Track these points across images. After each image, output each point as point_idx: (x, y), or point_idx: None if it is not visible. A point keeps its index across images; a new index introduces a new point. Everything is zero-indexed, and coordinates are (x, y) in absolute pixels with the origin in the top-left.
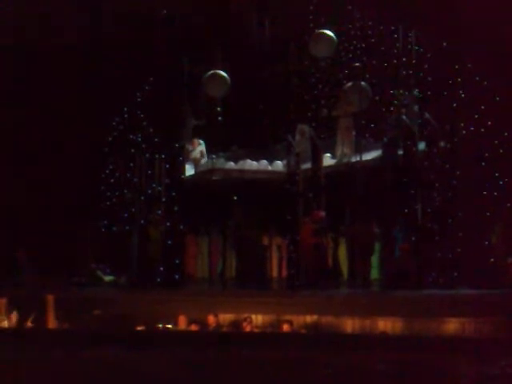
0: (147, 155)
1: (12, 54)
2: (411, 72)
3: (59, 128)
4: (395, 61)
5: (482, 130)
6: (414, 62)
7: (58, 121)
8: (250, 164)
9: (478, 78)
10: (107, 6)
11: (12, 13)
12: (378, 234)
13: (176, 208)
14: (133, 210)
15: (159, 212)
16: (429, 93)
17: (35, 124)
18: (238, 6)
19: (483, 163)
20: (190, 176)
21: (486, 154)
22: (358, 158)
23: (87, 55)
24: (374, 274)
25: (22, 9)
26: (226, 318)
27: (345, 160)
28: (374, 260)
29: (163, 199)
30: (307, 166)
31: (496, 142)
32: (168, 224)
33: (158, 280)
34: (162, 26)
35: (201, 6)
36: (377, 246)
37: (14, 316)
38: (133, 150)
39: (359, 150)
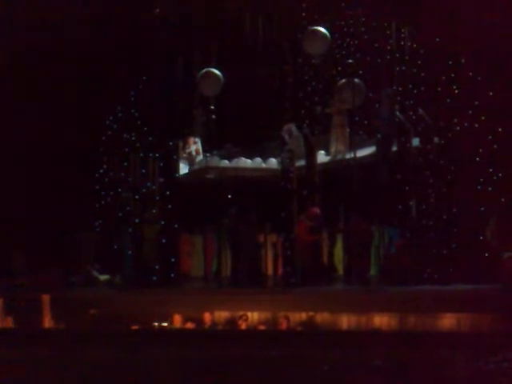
0: (141, 154)
1: (9, 51)
2: (404, 68)
3: (53, 128)
4: (388, 57)
5: (476, 125)
6: (407, 58)
7: (52, 121)
8: (244, 162)
9: (471, 74)
10: (104, 4)
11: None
12: (373, 231)
13: (170, 206)
14: (127, 208)
15: (154, 211)
16: (422, 89)
17: (31, 124)
18: (232, 5)
19: (477, 159)
20: (185, 174)
21: (481, 150)
22: (352, 155)
23: (82, 54)
24: (371, 270)
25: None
26: (221, 315)
27: (339, 157)
28: (370, 256)
29: (157, 198)
30: (301, 163)
31: (490, 137)
32: (163, 223)
33: (154, 279)
34: (156, 25)
35: (196, 5)
36: (372, 243)
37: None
38: (127, 149)
39: (353, 146)
